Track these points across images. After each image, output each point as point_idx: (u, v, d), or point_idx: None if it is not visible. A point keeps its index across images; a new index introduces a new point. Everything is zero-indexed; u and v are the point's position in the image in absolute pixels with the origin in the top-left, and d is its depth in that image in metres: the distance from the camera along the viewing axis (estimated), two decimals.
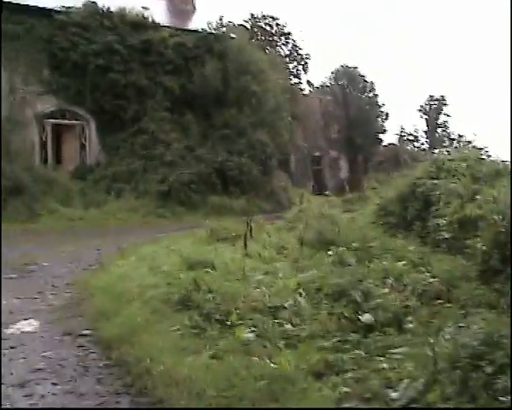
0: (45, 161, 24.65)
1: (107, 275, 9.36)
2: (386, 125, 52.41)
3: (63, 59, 24.51)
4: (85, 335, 6.51)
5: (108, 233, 17.22)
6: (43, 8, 24.87)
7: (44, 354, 5.91)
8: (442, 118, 69.07)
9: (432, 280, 7.34)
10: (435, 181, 11.68)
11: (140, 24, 27.20)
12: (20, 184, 20.08)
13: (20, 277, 10.19)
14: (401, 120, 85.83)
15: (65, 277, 10.10)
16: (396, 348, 5.09)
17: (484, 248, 7.48)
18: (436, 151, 57.24)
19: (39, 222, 19.13)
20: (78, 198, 22.23)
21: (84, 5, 25.99)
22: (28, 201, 19.86)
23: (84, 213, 20.92)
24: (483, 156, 12.06)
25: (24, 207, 19.47)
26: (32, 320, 7.20)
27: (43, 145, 24.78)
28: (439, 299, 6.84)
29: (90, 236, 16.38)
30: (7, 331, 6.70)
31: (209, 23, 30.15)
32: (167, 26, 28.64)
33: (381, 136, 51.53)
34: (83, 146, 26.04)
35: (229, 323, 5.95)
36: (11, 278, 10.00)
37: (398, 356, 4.81)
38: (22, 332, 6.73)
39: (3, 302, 8.04)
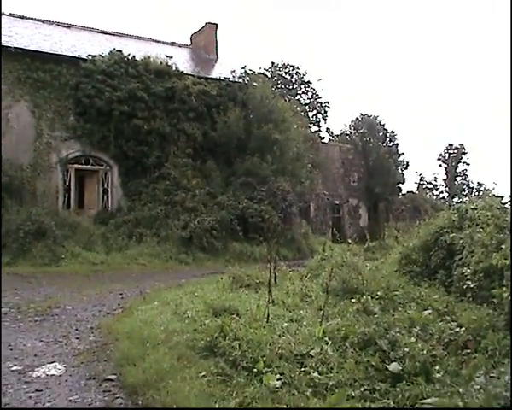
0: (68, 205, 24.93)
1: (131, 320, 9.37)
2: (406, 173, 52.30)
3: (88, 105, 24.98)
4: (111, 379, 6.48)
5: (130, 278, 17.29)
6: (71, 57, 25.61)
7: (70, 398, 5.90)
8: (461, 166, 69.13)
9: (458, 330, 7.29)
10: (459, 230, 11.64)
11: (164, 72, 27.78)
12: (43, 228, 20.33)
13: (44, 320, 10.22)
14: (420, 168, 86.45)
15: (88, 321, 10.14)
16: (425, 398, 5.05)
17: (511, 298, 7.43)
18: (455, 199, 57.36)
19: (62, 265, 19.33)
20: (100, 242, 22.39)
21: (110, 53, 26.65)
22: (51, 244, 20.07)
23: (106, 258, 21.06)
24: (506, 205, 11.96)
25: (47, 251, 19.70)
26: (56, 364, 7.20)
27: (67, 190, 25.07)
28: (466, 349, 6.79)
29: (112, 280, 16.45)
30: (32, 374, 6.71)
31: (232, 71, 30.70)
32: (191, 75, 29.07)
33: (400, 184, 51.44)
34: (105, 191, 26.31)
35: (255, 370, 5.94)
36: (35, 320, 10.06)
37: (428, 406, 4.76)
38: (47, 375, 6.72)
39: (28, 345, 8.11)
